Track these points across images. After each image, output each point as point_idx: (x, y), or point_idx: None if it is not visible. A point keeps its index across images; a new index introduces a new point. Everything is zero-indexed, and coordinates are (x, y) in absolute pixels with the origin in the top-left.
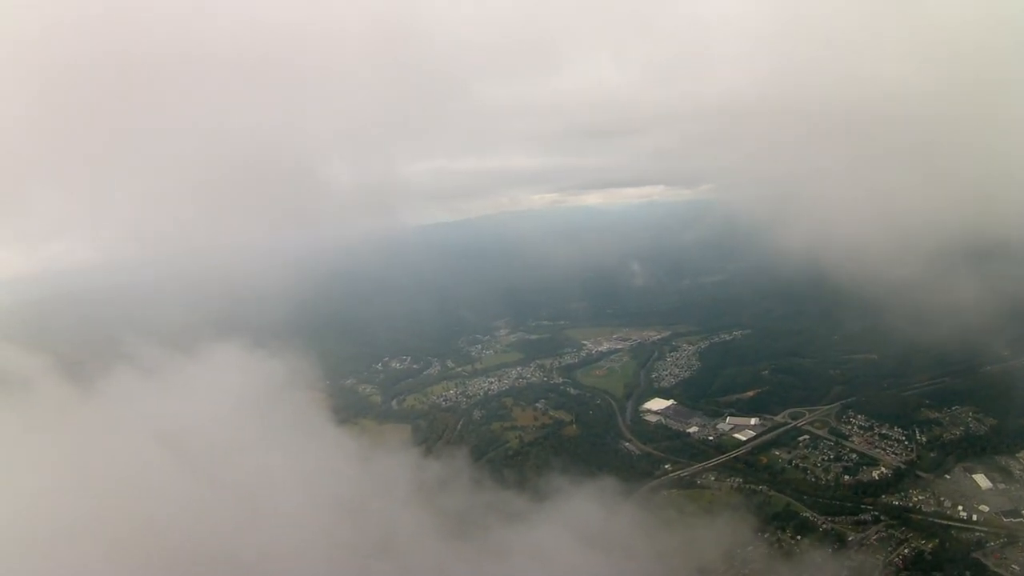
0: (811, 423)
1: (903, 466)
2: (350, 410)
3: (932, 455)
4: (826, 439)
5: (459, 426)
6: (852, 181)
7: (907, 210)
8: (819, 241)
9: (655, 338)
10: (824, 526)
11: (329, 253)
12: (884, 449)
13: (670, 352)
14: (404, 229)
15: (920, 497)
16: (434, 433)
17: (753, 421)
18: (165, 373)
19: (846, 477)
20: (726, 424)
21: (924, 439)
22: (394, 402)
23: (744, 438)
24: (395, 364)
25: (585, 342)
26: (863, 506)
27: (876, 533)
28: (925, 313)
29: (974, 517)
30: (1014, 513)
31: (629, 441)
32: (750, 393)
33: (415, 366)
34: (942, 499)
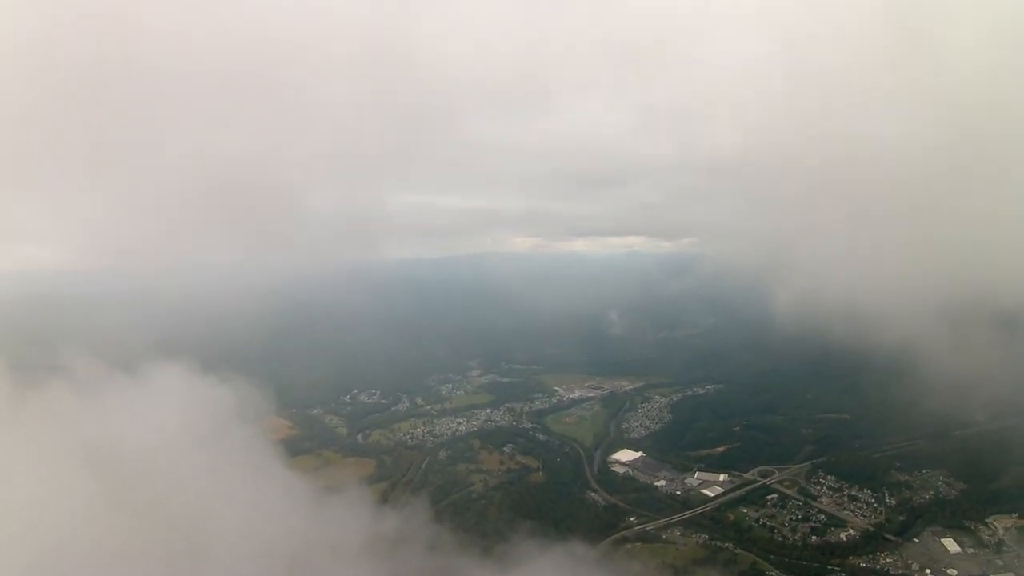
0: (780, 482)
1: (871, 528)
2: (314, 440)
3: (901, 518)
4: (795, 498)
5: (424, 465)
6: (843, 242)
7: (894, 273)
8: (801, 300)
9: (628, 388)
10: None
11: (306, 279)
12: (853, 511)
13: (642, 403)
14: (384, 262)
15: (888, 560)
16: (398, 471)
17: (722, 477)
18: (110, 391)
19: (814, 538)
20: (695, 479)
21: (893, 502)
22: (360, 436)
23: (712, 494)
24: (364, 397)
25: (557, 388)
26: (830, 567)
27: None
28: (901, 376)
29: None
30: None
31: (595, 491)
32: (720, 449)
33: (384, 401)
34: (910, 562)
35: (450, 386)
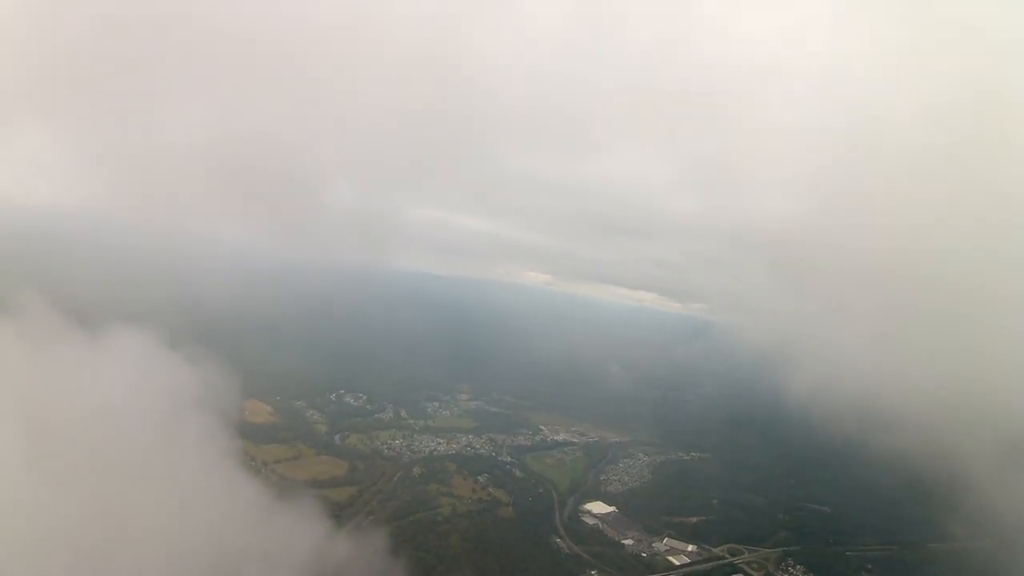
0: (748, 562)
1: None
2: (292, 431)
3: None
4: None
5: (396, 477)
6: (868, 337)
7: (916, 379)
8: (808, 386)
9: (613, 440)
10: None
11: (310, 272)
12: None
13: (624, 458)
14: (391, 270)
15: None
16: (369, 478)
17: (690, 547)
18: (73, 345)
19: None
20: (663, 544)
21: None
22: (338, 436)
23: (677, 562)
24: (350, 399)
25: (543, 427)
26: None
27: None
28: (893, 480)
29: None
30: None
31: (561, 538)
32: (694, 519)
33: (369, 406)
34: None
35: (437, 404)
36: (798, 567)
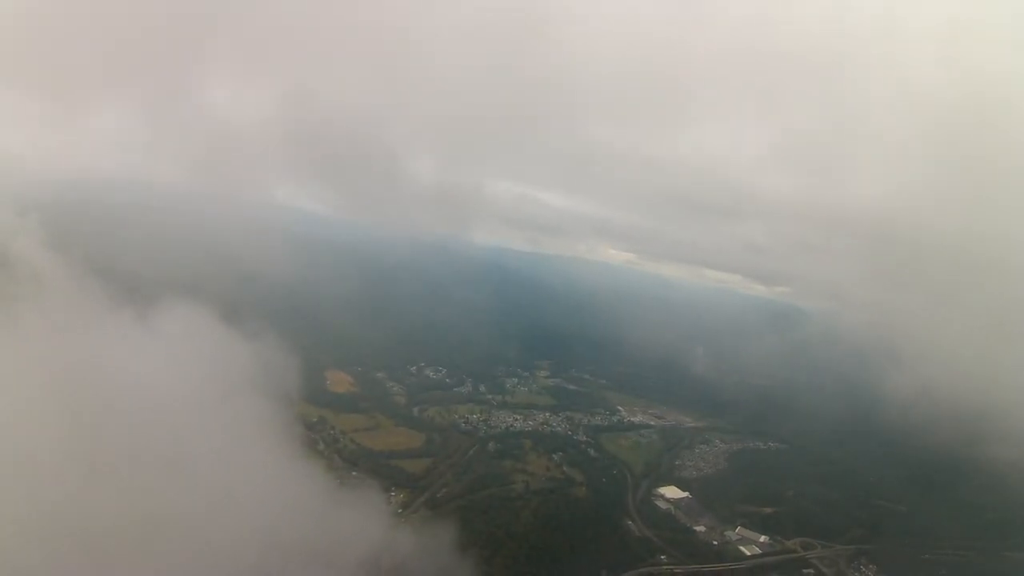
0: (820, 558)
1: None
2: (371, 401)
3: None
4: None
5: (471, 452)
6: (978, 340)
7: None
8: (900, 382)
9: (689, 425)
10: None
11: (391, 243)
12: None
13: (700, 443)
14: (473, 244)
15: None
16: (445, 451)
17: (762, 538)
18: (143, 322)
19: None
20: (734, 533)
21: None
22: (416, 408)
23: (748, 552)
24: (429, 372)
25: (620, 408)
26: None
27: None
28: (977, 484)
29: None
30: None
31: (633, 521)
32: (768, 509)
33: (448, 380)
34: None
35: (515, 380)
36: (871, 566)
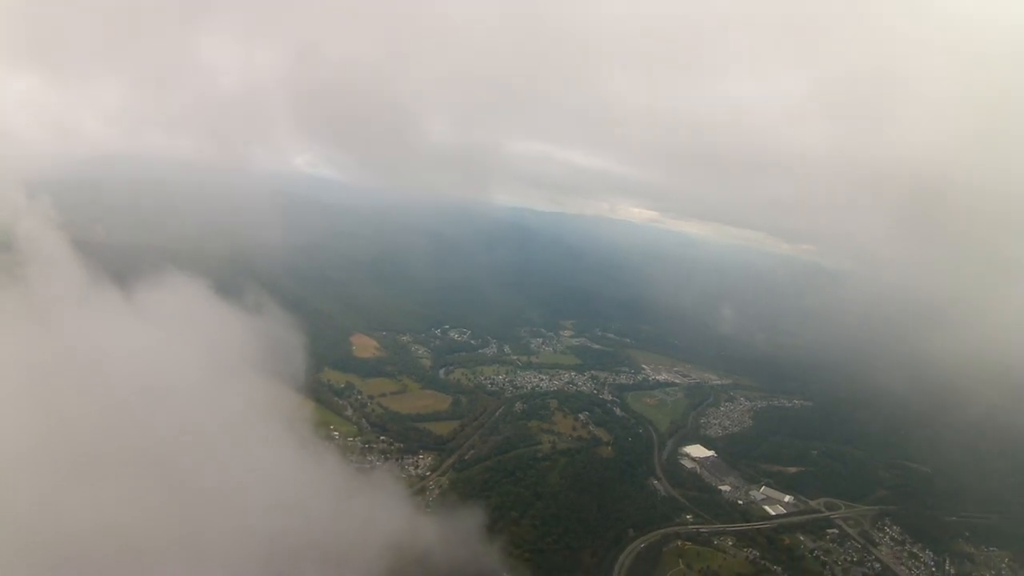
0: (844, 519)
1: None
2: (397, 365)
3: None
4: (855, 540)
5: (498, 413)
6: (1001, 296)
7: None
8: (925, 339)
9: (714, 382)
10: None
11: (410, 206)
12: (910, 568)
13: (725, 401)
14: (494, 205)
15: None
16: (471, 413)
17: (787, 498)
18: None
19: None
20: (760, 493)
21: (953, 571)
22: (442, 371)
23: (773, 512)
24: (454, 334)
25: (645, 366)
26: None
27: None
28: (1002, 446)
29: None
30: None
31: (659, 480)
32: (792, 469)
33: (472, 342)
34: None
35: (540, 341)
36: (894, 527)
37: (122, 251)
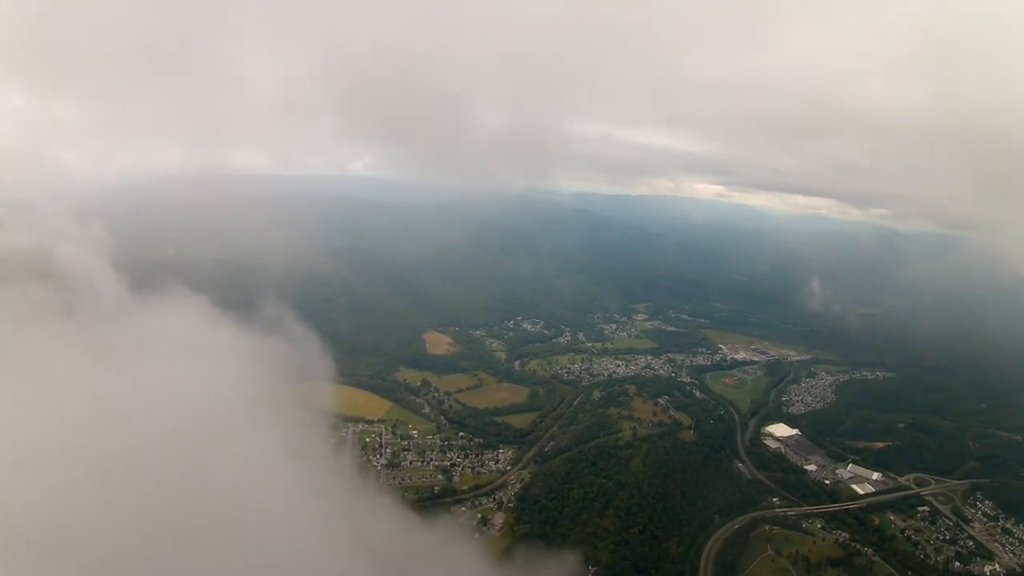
0: (935, 495)
1: (1020, 569)
2: (473, 360)
3: None
4: (946, 517)
5: (576, 402)
6: None
7: None
8: (1008, 301)
9: (794, 358)
10: None
11: (473, 199)
12: (1004, 545)
13: (806, 377)
14: (558, 192)
15: None
16: (549, 403)
17: (875, 476)
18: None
19: (957, 564)
20: (847, 471)
21: None
22: (517, 363)
23: (861, 491)
24: (526, 325)
25: (722, 346)
26: None
27: None
28: None
29: None
30: None
31: (743, 463)
32: (879, 444)
33: (546, 331)
34: None
35: (614, 326)
36: (987, 502)
37: (188, 266)
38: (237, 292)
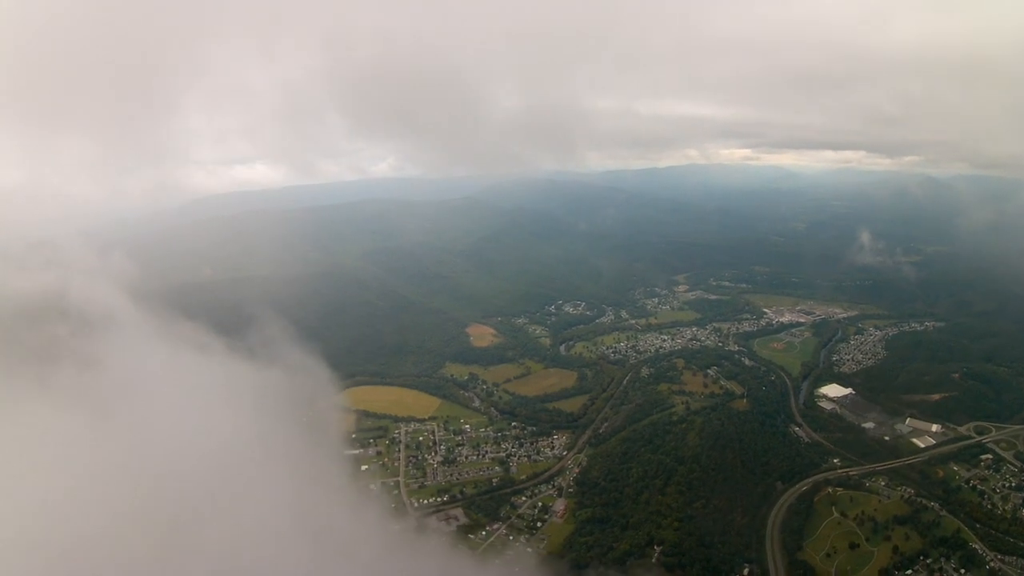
0: (997, 442)
1: None
2: (518, 349)
3: None
4: (1010, 463)
5: (625, 381)
6: None
7: None
8: None
9: (840, 316)
10: (992, 563)
11: (504, 187)
12: None
13: (855, 334)
14: (587, 172)
15: None
16: (599, 385)
17: (934, 428)
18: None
19: None
20: (905, 426)
21: None
22: (563, 347)
23: (922, 445)
24: (568, 308)
25: (766, 310)
26: None
27: None
28: None
29: None
30: None
31: (799, 427)
32: (935, 396)
33: (588, 313)
34: None
35: (655, 301)
36: None
37: (226, 285)
38: (276, 307)
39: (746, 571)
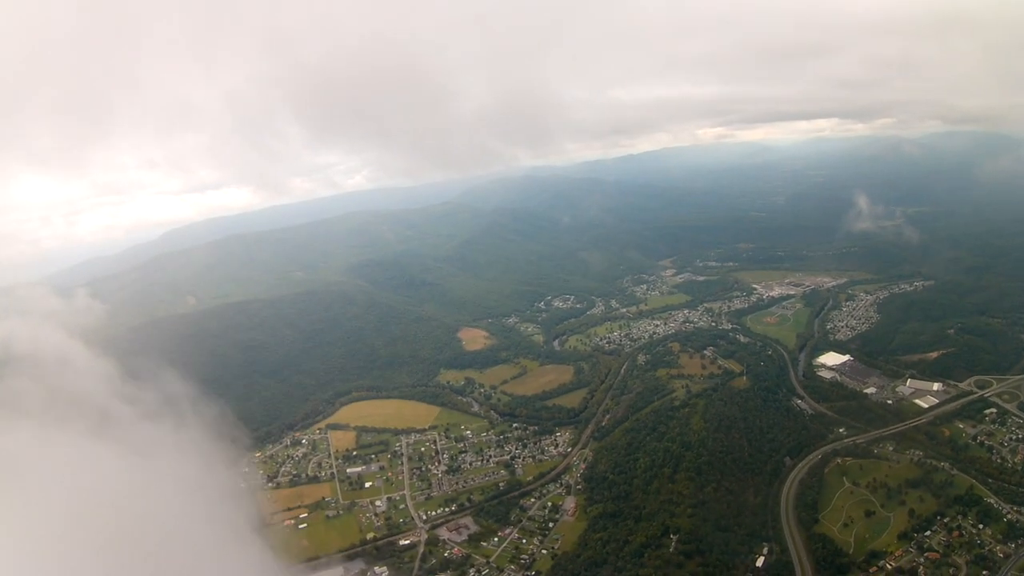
0: (999, 394)
1: None
2: (511, 349)
3: None
4: (1015, 415)
5: (623, 370)
6: None
7: None
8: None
9: (829, 284)
10: (1009, 516)
11: (480, 188)
12: None
13: (846, 301)
14: (564, 165)
15: None
16: (596, 377)
17: (936, 386)
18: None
19: None
20: (906, 387)
21: None
22: (556, 342)
23: (926, 405)
24: (558, 303)
25: (755, 286)
26: None
27: None
28: None
29: None
30: None
31: (802, 398)
32: (933, 354)
33: (578, 306)
34: None
35: (644, 287)
36: None
37: (209, 314)
38: (262, 331)
39: (765, 550)
